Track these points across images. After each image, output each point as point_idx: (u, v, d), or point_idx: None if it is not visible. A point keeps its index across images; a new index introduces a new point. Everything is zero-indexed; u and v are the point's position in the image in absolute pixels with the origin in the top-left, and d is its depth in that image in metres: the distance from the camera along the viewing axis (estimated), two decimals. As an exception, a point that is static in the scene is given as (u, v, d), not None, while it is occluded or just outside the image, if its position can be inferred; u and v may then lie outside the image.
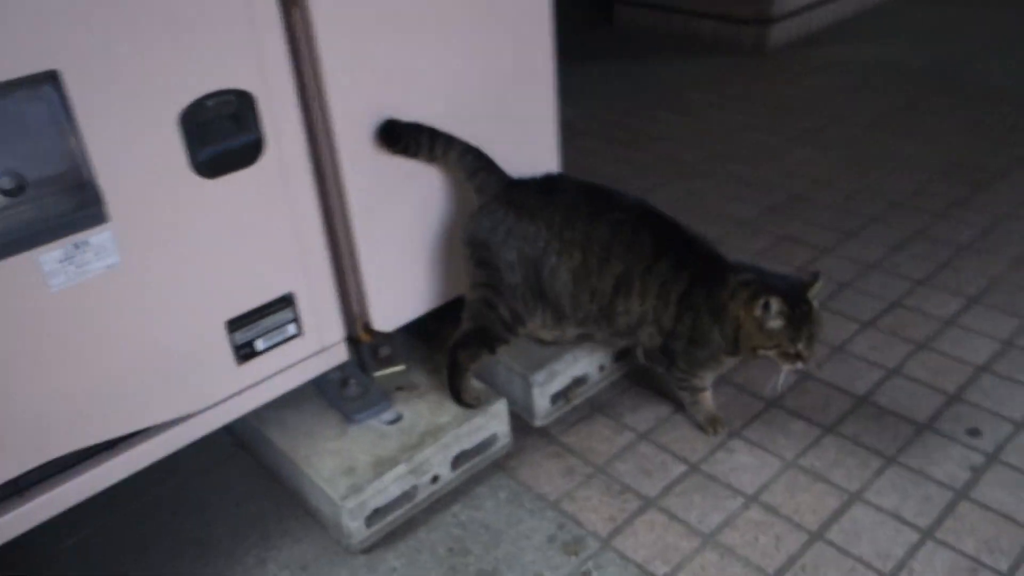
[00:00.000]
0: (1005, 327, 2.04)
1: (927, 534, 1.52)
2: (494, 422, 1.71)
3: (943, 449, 1.70)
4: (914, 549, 1.50)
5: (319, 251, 1.55)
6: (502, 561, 1.53)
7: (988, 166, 2.79)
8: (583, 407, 1.88)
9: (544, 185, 1.63)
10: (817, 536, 1.54)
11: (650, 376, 1.93)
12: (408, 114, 1.52)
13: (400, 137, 1.51)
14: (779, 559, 1.50)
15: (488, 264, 1.61)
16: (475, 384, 1.72)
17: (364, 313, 1.67)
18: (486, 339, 1.67)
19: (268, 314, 1.52)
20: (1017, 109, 3.19)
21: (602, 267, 1.58)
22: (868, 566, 1.47)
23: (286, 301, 1.54)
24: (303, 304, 1.55)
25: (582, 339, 1.78)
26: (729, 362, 1.68)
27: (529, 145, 1.76)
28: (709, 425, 1.77)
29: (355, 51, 1.43)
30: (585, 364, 1.86)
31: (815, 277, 1.56)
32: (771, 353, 1.55)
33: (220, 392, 1.50)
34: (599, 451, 1.76)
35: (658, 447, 1.76)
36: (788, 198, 2.70)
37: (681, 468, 1.70)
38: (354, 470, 1.55)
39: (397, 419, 1.67)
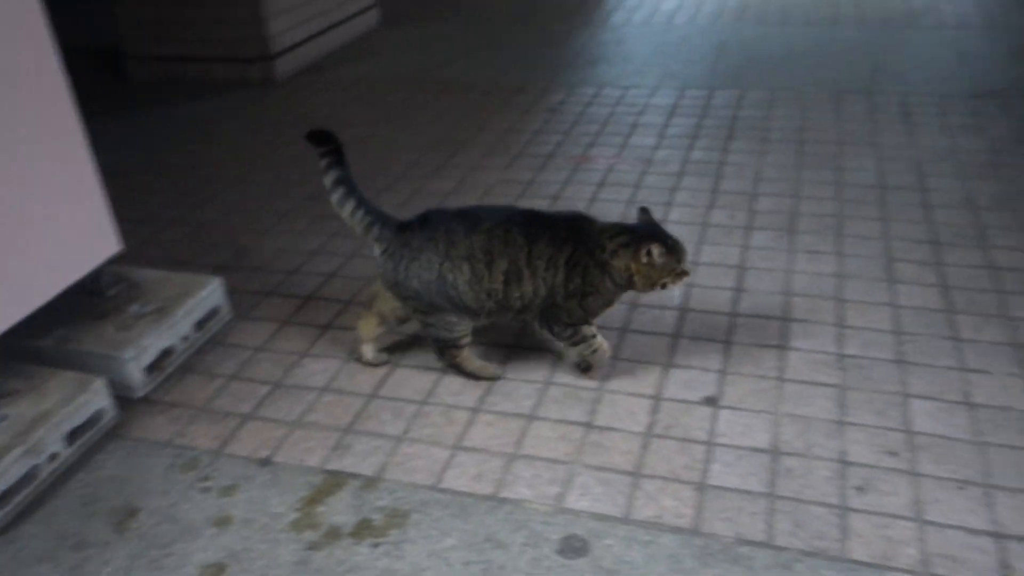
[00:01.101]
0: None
1: (443, 372, 2.16)
2: (96, 398, 1.98)
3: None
4: (436, 382, 2.13)
5: None
6: (132, 495, 1.84)
7: (459, 138, 3.67)
8: (176, 372, 2.22)
9: (424, 222, 1.98)
10: (373, 396, 2.10)
11: (233, 331, 2.35)
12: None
13: (325, 142, 1.99)
14: (348, 418, 2.02)
15: (408, 297, 2.00)
16: (479, 363, 2.12)
17: (-58, 340, 1.83)
18: (446, 345, 2.06)
19: None
20: (477, 96, 4.17)
21: (490, 270, 1.93)
22: (409, 401, 2.07)
23: None
24: None
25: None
26: (619, 297, 2.02)
27: (71, 192, 2.06)
28: (593, 368, 2.09)
29: None
30: (170, 336, 2.21)
31: (647, 211, 2.04)
32: (669, 280, 1.93)
33: None
34: (197, 398, 2.13)
35: (244, 381, 2.18)
36: (323, 189, 3.27)
37: (267, 388, 2.15)
38: (-29, 465, 1.74)
39: (3, 419, 1.86)
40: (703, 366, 2.13)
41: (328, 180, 2.01)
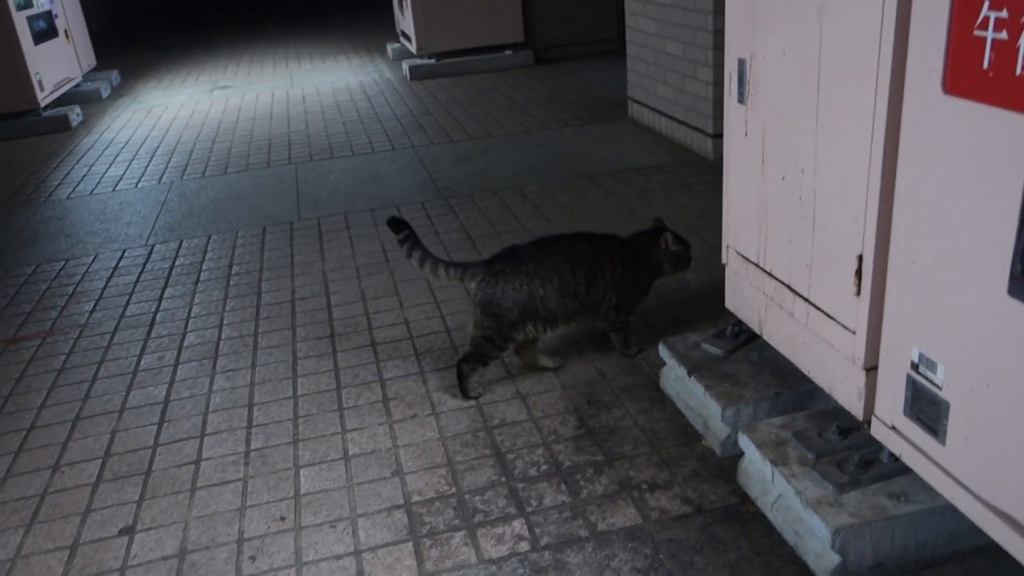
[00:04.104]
0: None
1: None
2: None
3: None
4: None
5: None
6: None
7: None
8: None
9: (508, 254, 2.61)
10: None
11: None
12: None
13: (402, 230, 2.60)
14: None
15: (492, 315, 2.56)
16: (475, 384, 2.65)
17: None
18: (482, 357, 2.61)
19: None
20: None
21: (575, 276, 2.57)
22: None
23: None
24: None
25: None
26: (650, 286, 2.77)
27: None
28: (635, 347, 2.81)
29: None
30: None
31: (660, 219, 2.80)
32: (683, 265, 2.72)
33: None
34: None
35: None
36: None
37: None
38: None
39: None
40: (121, 500, 2.31)
41: (415, 259, 2.60)
